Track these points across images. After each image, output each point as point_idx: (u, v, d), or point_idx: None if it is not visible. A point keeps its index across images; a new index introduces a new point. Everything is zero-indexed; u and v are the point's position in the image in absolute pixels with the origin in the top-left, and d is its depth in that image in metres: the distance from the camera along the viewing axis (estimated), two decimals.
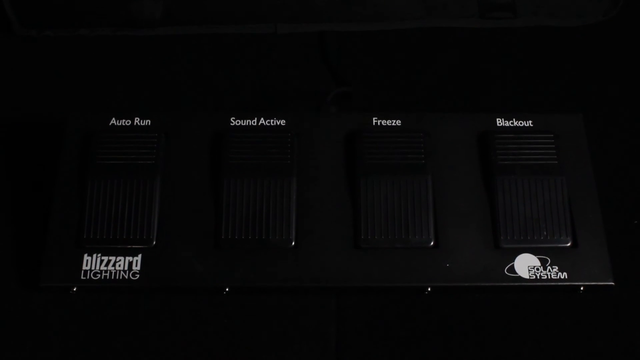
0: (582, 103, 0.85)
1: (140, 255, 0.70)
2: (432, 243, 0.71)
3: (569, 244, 0.71)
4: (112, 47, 0.89)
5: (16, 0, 0.88)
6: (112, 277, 0.70)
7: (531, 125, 0.76)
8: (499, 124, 0.76)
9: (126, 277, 0.70)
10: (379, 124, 0.76)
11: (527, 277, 0.70)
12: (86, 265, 0.70)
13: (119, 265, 0.70)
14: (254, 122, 0.76)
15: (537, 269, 0.70)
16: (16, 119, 0.83)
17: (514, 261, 0.71)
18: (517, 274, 0.70)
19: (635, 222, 0.77)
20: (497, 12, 0.90)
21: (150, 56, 0.89)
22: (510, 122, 0.76)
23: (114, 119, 0.76)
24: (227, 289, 0.70)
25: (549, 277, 0.70)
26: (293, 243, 0.71)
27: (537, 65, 0.88)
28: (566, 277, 0.70)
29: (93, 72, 0.87)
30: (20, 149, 0.80)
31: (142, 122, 0.76)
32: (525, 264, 0.70)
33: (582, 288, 0.70)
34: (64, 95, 0.85)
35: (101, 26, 0.90)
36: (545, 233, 0.71)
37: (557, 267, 0.70)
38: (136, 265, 0.70)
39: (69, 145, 0.75)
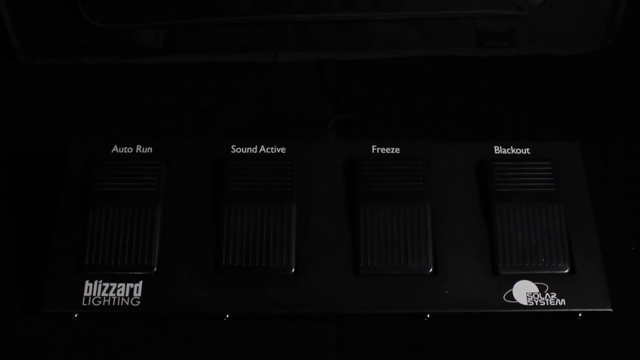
0: (579, 131, 0.85)
1: (141, 282, 0.71)
2: (431, 270, 0.71)
3: (566, 271, 0.72)
4: (114, 75, 0.90)
5: (20, 29, 0.89)
6: (113, 304, 0.70)
7: (529, 152, 0.77)
8: (497, 151, 0.77)
9: (127, 303, 0.70)
10: (378, 151, 0.77)
11: (526, 304, 0.70)
12: (87, 292, 0.70)
13: (120, 292, 0.70)
14: (254, 150, 0.77)
15: (536, 296, 0.71)
16: (19, 145, 0.83)
17: (512, 288, 0.71)
18: (515, 300, 0.70)
19: (633, 248, 0.77)
20: (494, 41, 0.91)
21: (152, 84, 0.89)
22: (508, 149, 0.77)
23: (116, 146, 0.77)
24: (227, 316, 0.70)
25: (547, 303, 0.70)
26: (293, 270, 0.71)
27: (534, 93, 0.89)
28: (564, 303, 0.70)
29: (96, 99, 0.88)
30: (23, 175, 0.81)
31: (144, 150, 0.77)
32: (523, 291, 0.71)
33: (580, 314, 0.70)
34: (67, 122, 0.86)
35: (104, 54, 0.91)
36: (543, 260, 0.72)
37: (555, 294, 0.71)
38: (137, 292, 0.70)
39: (71, 172, 0.76)
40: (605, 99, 0.89)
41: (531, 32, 0.91)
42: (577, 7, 0.89)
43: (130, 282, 0.71)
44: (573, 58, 0.91)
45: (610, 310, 0.70)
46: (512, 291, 0.71)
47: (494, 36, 0.91)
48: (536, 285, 0.71)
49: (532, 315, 0.71)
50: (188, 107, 0.88)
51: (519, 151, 0.77)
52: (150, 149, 0.77)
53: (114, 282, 0.71)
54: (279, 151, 0.77)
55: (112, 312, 0.70)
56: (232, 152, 0.77)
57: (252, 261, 0.71)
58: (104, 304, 0.70)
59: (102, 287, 0.70)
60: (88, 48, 0.90)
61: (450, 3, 0.87)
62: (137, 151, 0.76)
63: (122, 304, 0.70)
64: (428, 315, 0.70)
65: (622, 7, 0.90)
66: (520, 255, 0.72)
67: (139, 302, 0.70)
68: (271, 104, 0.88)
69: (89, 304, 0.70)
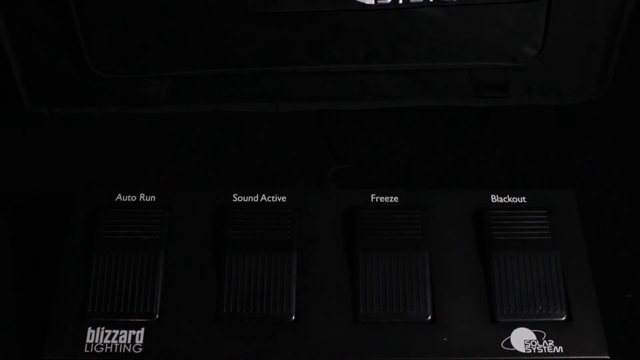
0: (574, 179, 0.86)
1: (143, 329, 0.71)
2: (429, 317, 0.72)
3: (563, 318, 0.72)
4: (119, 124, 0.91)
5: (28, 78, 0.91)
6: (115, 350, 0.70)
7: (525, 201, 0.78)
8: (494, 200, 0.78)
9: (129, 350, 0.70)
10: (376, 200, 0.78)
11: (524, 351, 0.70)
12: (90, 339, 0.71)
13: (122, 339, 0.71)
14: (255, 199, 0.78)
15: (533, 343, 0.71)
16: (25, 193, 0.84)
17: (510, 335, 0.71)
18: (513, 347, 0.71)
19: (629, 295, 0.78)
20: (490, 92, 0.93)
21: (155, 133, 0.91)
22: (504, 198, 0.78)
23: (119, 194, 0.77)
24: None
25: (545, 351, 0.70)
26: (293, 317, 0.72)
27: (529, 142, 0.90)
28: (562, 350, 0.70)
29: (100, 148, 0.89)
30: (27, 222, 0.82)
31: (147, 198, 0.77)
32: (521, 338, 0.71)
33: None
34: (72, 170, 0.87)
35: (109, 104, 0.92)
36: (540, 307, 0.72)
37: (552, 341, 0.71)
38: (139, 339, 0.71)
39: (76, 220, 0.77)
40: (599, 148, 0.90)
41: (526, 83, 0.92)
42: (570, 59, 0.91)
43: (132, 329, 0.71)
44: (567, 108, 0.93)
45: (608, 357, 0.70)
46: (510, 338, 0.71)
47: (490, 87, 0.92)
48: (534, 332, 0.71)
49: None
50: (190, 157, 0.89)
51: (515, 200, 0.78)
52: (153, 198, 0.78)
53: (116, 328, 0.71)
54: (279, 200, 0.78)
55: (114, 358, 0.70)
56: (233, 200, 0.77)
57: (252, 309, 0.72)
58: (106, 350, 0.70)
59: (105, 334, 0.71)
60: (94, 98, 0.92)
61: (447, 55, 0.88)
62: (140, 199, 0.77)
63: (124, 351, 0.70)
64: None
65: (614, 59, 0.92)
66: (518, 303, 0.72)
67: (140, 349, 0.70)
68: (272, 153, 0.89)
69: (92, 350, 0.70)
